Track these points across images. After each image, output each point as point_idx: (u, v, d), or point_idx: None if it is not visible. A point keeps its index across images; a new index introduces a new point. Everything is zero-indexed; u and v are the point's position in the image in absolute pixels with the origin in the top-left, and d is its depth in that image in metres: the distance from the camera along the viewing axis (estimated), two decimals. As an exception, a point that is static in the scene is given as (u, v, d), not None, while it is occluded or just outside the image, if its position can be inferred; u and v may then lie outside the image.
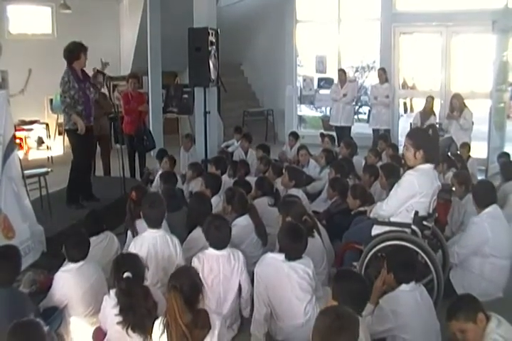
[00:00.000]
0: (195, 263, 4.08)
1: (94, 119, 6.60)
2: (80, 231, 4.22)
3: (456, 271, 4.66)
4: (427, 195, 4.18)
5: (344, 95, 10.41)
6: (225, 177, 6.59)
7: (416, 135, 4.33)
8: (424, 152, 4.15)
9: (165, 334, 2.97)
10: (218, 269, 4.03)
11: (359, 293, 3.12)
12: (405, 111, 15.81)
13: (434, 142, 4.39)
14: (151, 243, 4.28)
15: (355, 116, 12.52)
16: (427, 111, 9.85)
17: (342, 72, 10.69)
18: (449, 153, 8.36)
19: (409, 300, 3.52)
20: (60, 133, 10.93)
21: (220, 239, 4.12)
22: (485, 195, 4.74)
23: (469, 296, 3.23)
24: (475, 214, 4.82)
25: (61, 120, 7.28)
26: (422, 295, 3.63)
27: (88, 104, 6.32)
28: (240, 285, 4.12)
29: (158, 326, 3.05)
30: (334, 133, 10.29)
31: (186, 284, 2.99)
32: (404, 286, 3.58)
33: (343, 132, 10.29)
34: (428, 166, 4.20)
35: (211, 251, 4.11)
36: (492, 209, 4.63)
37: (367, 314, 3.63)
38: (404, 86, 13.21)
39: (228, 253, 4.11)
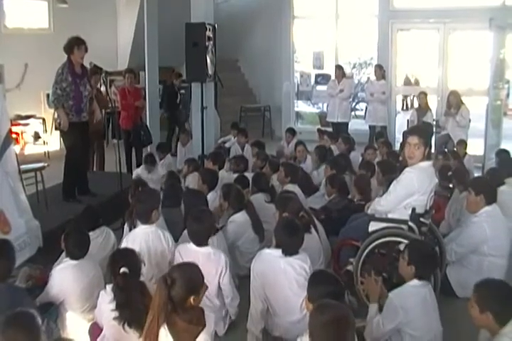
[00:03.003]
0: (176, 255, 4.09)
1: (88, 114, 6.57)
2: (81, 229, 4.21)
3: (453, 268, 4.67)
4: (425, 193, 4.20)
5: (341, 91, 10.40)
6: (222, 173, 6.59)
7: (425, 133, 4.33)
8: (429, 149, 4.22)
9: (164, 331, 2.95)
10: (197, 262, 3.96)
11: (334, 294, 3.09)
12: (403, 107, 15.86)
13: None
14: (143, 239, 4.26)
15: (352, 113, 12.51)
16: (423, 108, 9.86)
17: (339, 68, 10.67)
18: (446, 150, 8.37)
19: (419, 296, 3.49)
20: (56, 128, 10.88)
21: (198, 234, 4.09)
22: (489, 194, 4.68)
23: (503, 291, 3.02)
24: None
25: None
26: (430, 293, 3.59)
27: (80, 100, 6.27)
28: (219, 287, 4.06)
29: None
30: (331, 129, 10.29)
31: (179, 280, 2.97)
32: (415, 281, 3.54)
33: (340, 128, 10.27)
34: (427, 163, 4.22)
35: (192, 246, 4.09)
36: (491, 208, 4.61)
37: (372, 315, 3.60)
38: (406, 82, 13.21)
39: (209, 252, 4.07)
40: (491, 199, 4.64)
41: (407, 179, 4.19)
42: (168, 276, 2.96)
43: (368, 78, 14.91)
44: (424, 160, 4.20)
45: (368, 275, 3.87)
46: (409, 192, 4.17)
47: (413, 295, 3.49)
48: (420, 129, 4.58)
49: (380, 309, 3.63)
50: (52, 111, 10.69)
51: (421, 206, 4.23)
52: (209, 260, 4.01)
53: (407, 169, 4.26)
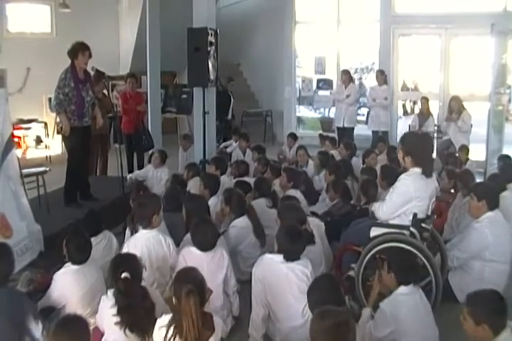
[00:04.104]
0: (180, 259, 4.11)
1: (91, 119, 6.58)
2: (82, 233, 4.20)
3: (454, 274, 4.65)
4: (424, 198, 4.19)
5: (347, 96, 10.41)
6: (223, 178, 6.59)
7: (406, 140, 4.37)
8: (413, 158, 4.20)
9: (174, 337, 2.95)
10: (202, 267, 3.91)
11: (333, 300, 3.09)
12: (404, 113, 15.83)
13: (424, 150, 4.31)
14: (144, 243, 4.27)
15: (355, 118, 12.50)
16: (424, 113, 9.89)
17: (345, 73, 10.66)
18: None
19: (409, 303, 3.48)
20: (58, 132, 10.90)
21: (205, 243, 4.12)
22: (492, 199, 4.65)
23: (496, 301, 2.98)
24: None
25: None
26: (421, 298, 3.59)
27: (82, 105, 6.28)
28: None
29: (158, 328, 3.04)
30: (334, 135, 10.27)
31: (199, 287, 3.00)
32: (402, 289, 3.53)
33: (346, 133, 10.28)
34: (419, 170, 4.19)
35: (195, 250, 4.12)
36: (494, 213, 4.59)
37: (365, 319, 3.60)
38: (404, 88, 13.21)
39: (212, 252, 4.12)
40: (493, 204, 4.62)
41: (403, 186, 4.19)
42: (188, 290, 2.95)
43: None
44: (414, 166, 4.20)
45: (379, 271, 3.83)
46: (406, 198, 4.16)
47: (404, 304, 3.47)
48: (404, 137, 4.58)
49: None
50: (54, 115, 10.77)
51: (422, 211, 4.21)
52: (213, 259, 4.08)
53: (402, 176, 4.26)
